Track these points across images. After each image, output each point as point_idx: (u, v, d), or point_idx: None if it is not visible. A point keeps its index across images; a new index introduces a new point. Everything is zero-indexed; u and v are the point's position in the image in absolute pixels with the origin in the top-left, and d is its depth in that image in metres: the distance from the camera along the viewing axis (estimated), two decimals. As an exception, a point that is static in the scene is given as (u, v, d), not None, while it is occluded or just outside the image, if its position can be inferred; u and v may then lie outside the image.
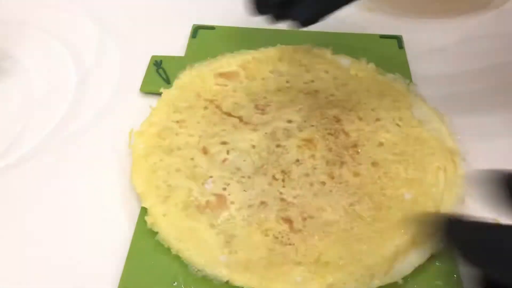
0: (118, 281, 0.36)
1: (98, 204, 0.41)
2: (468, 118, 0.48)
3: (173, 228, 0.38)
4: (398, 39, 0.56)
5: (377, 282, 0.35)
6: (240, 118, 0.46)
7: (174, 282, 0.36)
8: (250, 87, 0.49)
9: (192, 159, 0.42)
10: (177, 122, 0.45)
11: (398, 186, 0.41)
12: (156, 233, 0.38)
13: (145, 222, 0.39)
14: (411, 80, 0.50)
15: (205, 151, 0.43)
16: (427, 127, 0.45)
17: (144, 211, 0.39)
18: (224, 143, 0.44)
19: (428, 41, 0.57)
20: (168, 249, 0.37)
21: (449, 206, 0.39)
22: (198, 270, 0.36)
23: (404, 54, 0.54)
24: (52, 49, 0.55)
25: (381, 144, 0.44)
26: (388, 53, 0.54)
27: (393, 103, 0.47)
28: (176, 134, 0.44)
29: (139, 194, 0.40)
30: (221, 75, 0.50)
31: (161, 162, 0.42)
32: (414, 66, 0.53)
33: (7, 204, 0.41)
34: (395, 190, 0.40)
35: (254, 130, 0.45)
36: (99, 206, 0.41)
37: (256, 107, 0.47)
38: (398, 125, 0.45)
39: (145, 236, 0.38)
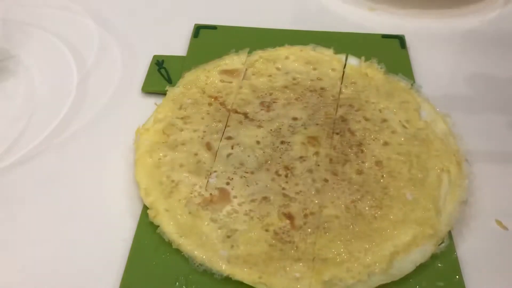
0: (120, 280, 0.36)
1: (100, 203, 0.41)
2: (471, 117, 0.48)
3: (174, 223, 0.38)
4: (401, 39, 0.56)
5: (375, 280, 0.35)
6: (246, 115, 0.46)
7: (176, 282, 0.36)
8: (256, 84, 0.49)
9: (196, 154, 0.43)
10: (182, 118, 0.46)
11: (401, 186, 0.41)
12: (158, 228, 0.38)
13: (147, 221, 0.39)
14: (414, 81, 0.50)
15: (209, 146, 0.43)
16: (433, 129, 0.45)
17: (146, 209, 0.39)
18: (229, 138, 0.44)
19: (430, 41, 0.57)
20: (171, 249, 0.37)
21: (451, 208, 0.39)
22: (199, 264, 0.36)
23: (406, 54, 0.54)
24: (54, 48, 0.55)
25: (386, 143, 0.44)
26: (390, 53, 0.54)
27: (401, 104, 0.47)
28: (181, 130, 0.45)
29: (143, 190, 0.40)
30: (226, 72, 0.50)
31: (165, 157, 0.42)
32: (417, 66, 0.53)
33: (10, 203, 0.42)
34: (398, 190, 0.40)
35: (259, 126, 0.45)
36: (101, 205, 0.41)
37: (262, 104, 0.47)
38: (404, 126, 0.45)
39: (147, 236, 0.38)
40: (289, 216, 0.39)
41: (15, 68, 0.53)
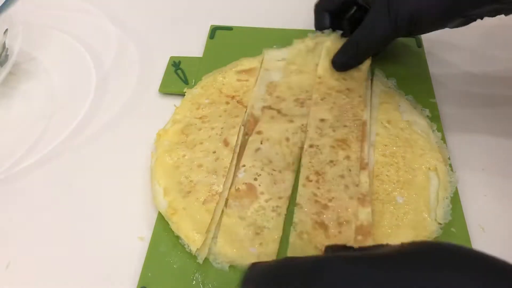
0: (138, 277, 0.36)
1: (118, 202, 0.42)
2: (486, 111, 0.48)
3: (191, 221, 0.38)
4: (417, 38, 0.55)
5: None
6: (279, 110, 0.46)
7: (193, 280, 0.36)
8: (293, 81, 0.48)
9: (214, 152, 0.43)
10: (200, 118, 0.46)
11: (390, 189, 0.40)
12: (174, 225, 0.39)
13: (165, 220, 0.39)
14: (429, 77, 0.50)
15: (226, 142, 0.43)
16: (415, 128, 0.44)
17: (164, 208, 0.40)
18: (259, 132, 0.44)
19: (447, 40, 0.56)
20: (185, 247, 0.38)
21: (444, 206, 0.39)
22: (227, 261, 0.37)
23: (423, 53, 0.53)
24: (73, 50, 0.56)
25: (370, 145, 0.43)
26: (407, 52, 0.54)
27: (380, 105, 0.46)
28: (199, 129, 0.45)
29: (162, 189, 0.40)
30: (242, 72, 0.50)
31: (184, 157, 0.42)
32: (433, 65, 0.52)
33: (29, 203, 0.42)
34: (387, 193, 0.40)
35: (290, 121, 0.44)
36: (119, 205, 0.42)
37: (296, 100, 0.47)
38: (386, 127, 0.44)
39: (164, 234, 0.39)
40: (323, 225, 0.38)
41: (35, 70, 0.54)
